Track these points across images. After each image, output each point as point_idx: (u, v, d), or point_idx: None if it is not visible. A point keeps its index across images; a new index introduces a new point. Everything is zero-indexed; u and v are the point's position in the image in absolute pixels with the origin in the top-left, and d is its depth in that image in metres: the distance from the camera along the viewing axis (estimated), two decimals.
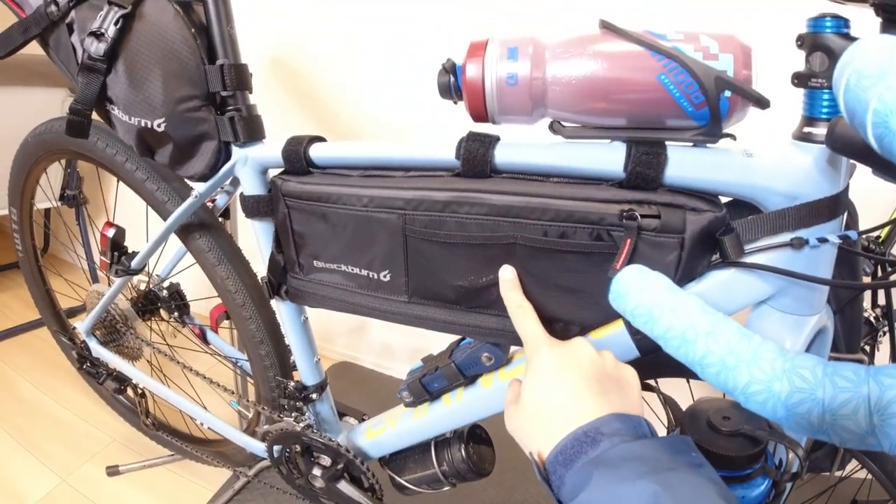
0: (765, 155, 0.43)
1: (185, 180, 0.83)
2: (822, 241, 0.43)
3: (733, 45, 0.41)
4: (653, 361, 0.49)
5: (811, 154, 0.42)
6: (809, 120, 0.42)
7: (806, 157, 0.42)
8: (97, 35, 0.63)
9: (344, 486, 0.77)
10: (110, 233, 0.94)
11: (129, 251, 0.95)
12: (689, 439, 0.38)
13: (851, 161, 0.42)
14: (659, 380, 0.63)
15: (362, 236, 0.58)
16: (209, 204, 0.87)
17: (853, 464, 0.71)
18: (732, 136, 0.44)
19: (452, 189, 0.51)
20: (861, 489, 0.96)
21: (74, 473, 1.24)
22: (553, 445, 0.39)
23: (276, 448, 0.82)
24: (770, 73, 0.47)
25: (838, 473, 0.75)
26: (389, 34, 1.21)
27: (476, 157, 0.50)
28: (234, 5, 0.66)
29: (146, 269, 0.97)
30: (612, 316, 0.50)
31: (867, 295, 0.79)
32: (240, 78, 0.65)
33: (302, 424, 0.78)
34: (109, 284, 0.98)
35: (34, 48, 0.73)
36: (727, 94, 0.41)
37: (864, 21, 0.39)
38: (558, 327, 0.52)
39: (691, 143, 0.45)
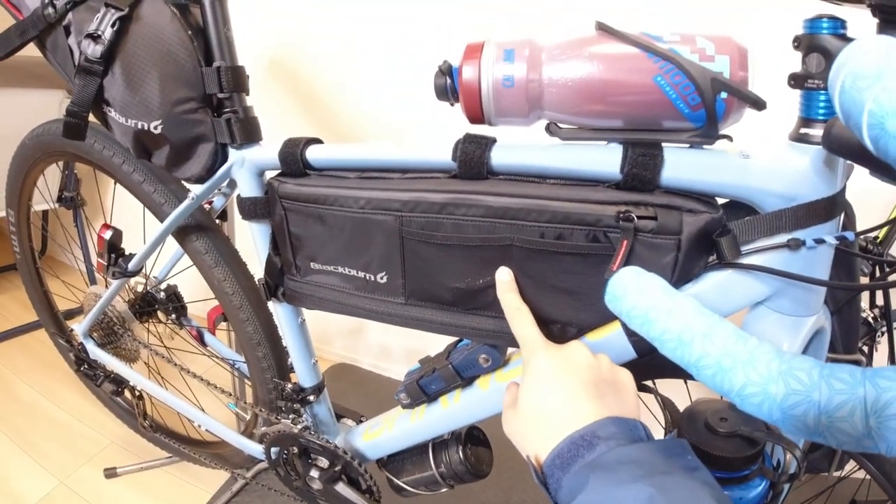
0: (761, 156, 0.43)
1: (182, 182, 0.83)
2: (819, 241, 0.43)
3: (730, 46, 0.41)
4: (650, 363, 0.49)
5: (808, 155, 0.42)
6: (806, 121, 0.42)
7: (802, 159, 0.42)
8: (94, 37, 0.62)
9: (341, 488, 0.77)
10: (107, 235, 0.94)
11: (127, 253, 0.95)
12: (684, 443, 0.38)
13: (848, 162, 0.42)
14: (657, 381, 0.63)
15: (359, 238, 0.58)
16: (206, 206, 0.86)
17: (851, 464, 0.72)
18: (729, 138, 0.44)
19: (449, 191, 0.51)
20: (860, 489, 0.97)
21: (72, 475, 1.24)
22: (550, 449, 0.39)
23: (273, 450, 0.82)
24: (766, 74, 0.47)
25: (836, 474, 0.75)
26: (389, 34, 1.21)
27: (472, 158, 0.50)
28: (234, 5, 0.66)
29: (143, 271, 0.97)
30: (609, 317, 0.50)
31: (865, 295, 0.79)
32: (236, 80, 0.65)
33: (299, 426, 0.78)
34: (107, 286, 0.98)
35: (31, 50, 0.73)
36: (723, 95, 0.41)
37: (861, 22, 0.39)
38: (555, 329, 0.52)
39: (688, 145, 0.45)
